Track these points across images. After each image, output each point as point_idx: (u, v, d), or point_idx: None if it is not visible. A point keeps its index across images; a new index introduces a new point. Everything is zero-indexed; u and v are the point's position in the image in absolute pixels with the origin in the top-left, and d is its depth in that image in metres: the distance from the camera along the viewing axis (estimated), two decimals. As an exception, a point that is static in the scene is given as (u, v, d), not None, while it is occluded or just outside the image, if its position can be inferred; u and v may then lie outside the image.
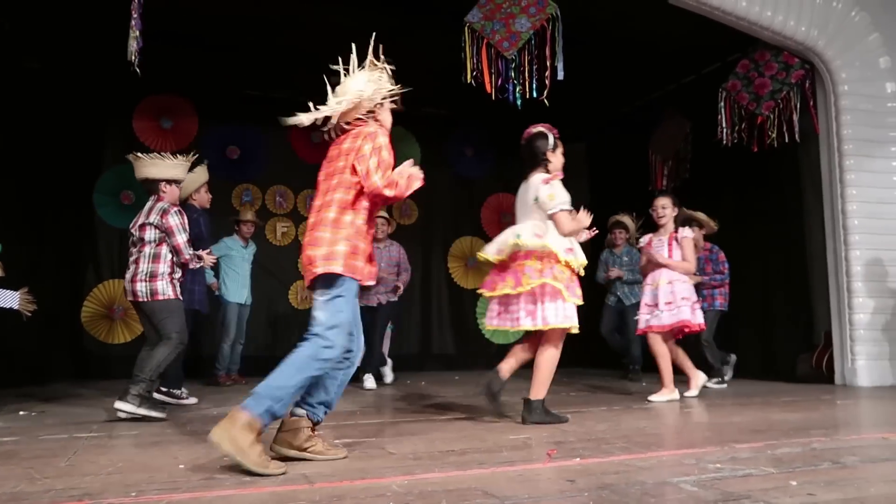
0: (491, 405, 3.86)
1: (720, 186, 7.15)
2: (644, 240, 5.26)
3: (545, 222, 3.71)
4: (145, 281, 4.14)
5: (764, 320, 6.84)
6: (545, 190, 3.68)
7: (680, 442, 3.10)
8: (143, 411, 3.89)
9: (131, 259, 4.26)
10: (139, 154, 4.45)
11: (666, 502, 2.01)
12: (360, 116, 2.85)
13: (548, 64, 5.01)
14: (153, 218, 4.22)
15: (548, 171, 3.80)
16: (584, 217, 3.66)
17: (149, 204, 4.33)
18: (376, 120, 2.89)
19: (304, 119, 2.76)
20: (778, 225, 6.70)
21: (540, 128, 3.91)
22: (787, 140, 6.08)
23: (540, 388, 3.71)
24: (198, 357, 7.00)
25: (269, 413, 2.50)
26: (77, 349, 7.36)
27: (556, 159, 3.87)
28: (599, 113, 8.83)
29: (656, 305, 4.92)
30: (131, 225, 4.34)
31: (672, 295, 4.87)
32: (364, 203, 2.77)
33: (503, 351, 10.05)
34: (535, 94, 5.08)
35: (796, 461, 2.56)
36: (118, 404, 3.88)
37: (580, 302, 3.71)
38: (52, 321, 6.61)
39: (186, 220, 4.33)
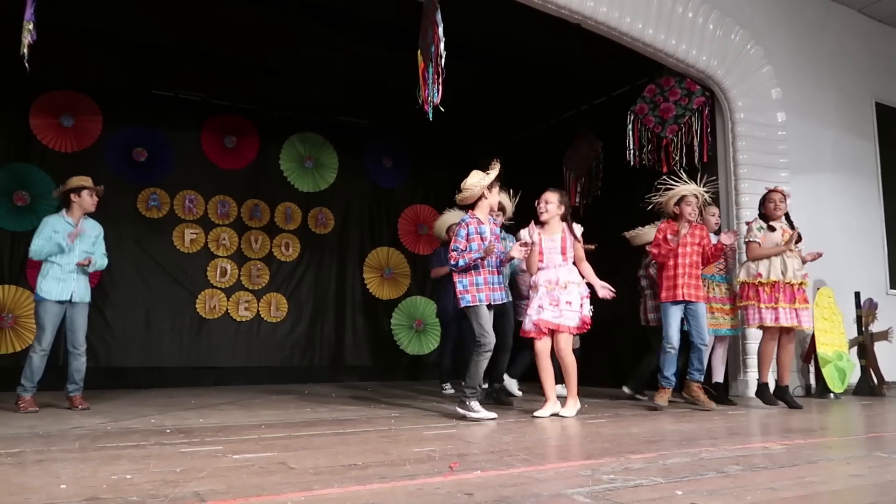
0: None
1: (632, 203, 7.44)
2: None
3: None
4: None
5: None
6: None
7: (579, 453, 3.18)
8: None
9: None
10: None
11: (558, 514, 2.06)
12: None
13: (440, 69, 4.86)
14: None
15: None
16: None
17: None
18: None
19: None
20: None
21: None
22: (685, 164, 6.39)
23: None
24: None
25: None
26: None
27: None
28: (515, 129, 9.02)
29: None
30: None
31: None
32: None
33: (416, 361, 9.95)
34: (435, 99, 4.92)
35: (684, 471, 2.68)
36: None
37: None
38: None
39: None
